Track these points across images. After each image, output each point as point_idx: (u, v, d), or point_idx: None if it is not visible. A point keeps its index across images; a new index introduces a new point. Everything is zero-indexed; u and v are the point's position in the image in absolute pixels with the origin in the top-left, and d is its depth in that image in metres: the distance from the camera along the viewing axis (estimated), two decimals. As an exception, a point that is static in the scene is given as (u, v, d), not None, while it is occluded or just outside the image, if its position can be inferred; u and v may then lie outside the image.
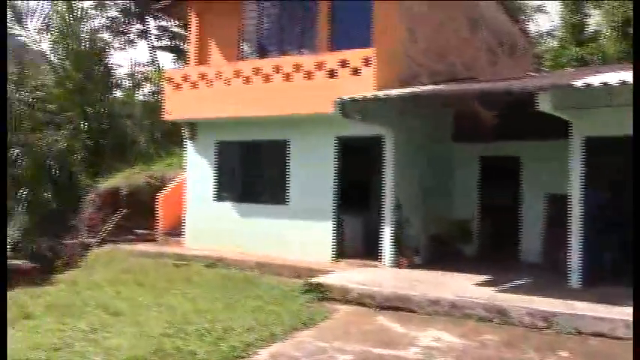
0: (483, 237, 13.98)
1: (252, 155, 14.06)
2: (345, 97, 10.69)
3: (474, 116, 13.43)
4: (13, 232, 20.50)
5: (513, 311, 8.21)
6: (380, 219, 12.13)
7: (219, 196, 14.44)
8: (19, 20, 22.83)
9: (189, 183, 14.87)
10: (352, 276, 10.60)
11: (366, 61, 11.84)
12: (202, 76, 13.94)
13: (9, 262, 12.24)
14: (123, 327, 7.89)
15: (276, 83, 12.86)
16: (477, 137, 13.62)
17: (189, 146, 14.97)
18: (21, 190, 18.65)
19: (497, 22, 17.26)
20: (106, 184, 17.50)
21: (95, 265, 12.92)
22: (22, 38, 22.89)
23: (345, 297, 9.56)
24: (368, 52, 11.89)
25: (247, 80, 13.24)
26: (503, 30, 17.80)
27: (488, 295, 8.98)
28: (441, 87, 11.41)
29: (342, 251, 12.77)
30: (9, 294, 10.06)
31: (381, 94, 10.88)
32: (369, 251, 12.51)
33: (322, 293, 9.73)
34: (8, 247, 14.74)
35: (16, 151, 19.16)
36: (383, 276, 10.68)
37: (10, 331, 7.69)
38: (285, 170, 13.47)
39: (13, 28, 22.49)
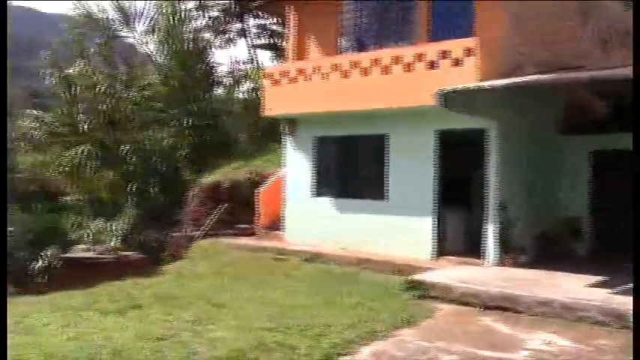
0: (595, 236, 13.13)
1: (351, 150, 13.96)
2: (448, 88, 10.34)
3: (585, 107, 12.63)
4: (123, 225, 21.56)
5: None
6: (482, 215, 11.67)
7: (318, 192, 14.45)
8: (127, 23, 23.93)
9: (287, 178, 14.98)
10: (454, 274, 10.26)
11: (468, 52, 11.41)
12: (301, 72, 13.98)
13: (121, 252, 12.82)
14: (225, 319, 7.99)
15: (374, 76, 12.68)
16: (588, 130, 12.79)
17: (287, 142, 15.07)
18: (130, 185, 19.52)
19: (610, 9, 16.18)
20: (208, 179, 17.99)
21: (199, 257, 13.27)
22: (130, 40, 23.99)
23: (447, 295, 9.25)
24: (470, 41, 11.46)
25: (345, 74, 13.13)
26: (617, 17, 16.66)
27: (603, 297, 8.39)
28: (550, 76, 10.80)
29: (442, 248, 12.42)
30: (120, 284, 10.53)
31: (486, 84, 10.44)
32: (471, 249, 12.08)
33: (423, 291, 9.47)
34: (119, 238, 15.47)
35: (126, 148, 20.07)
36: (486, 274, 10.26)
37: (119, 320, 7.99)
38: (383, 165, 13.26)
39: (122, 31, 23.59)
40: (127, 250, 13.74)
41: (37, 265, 22.88)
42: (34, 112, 25.09)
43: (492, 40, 11.70)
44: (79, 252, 17.58)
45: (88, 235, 24.12)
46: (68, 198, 26.28)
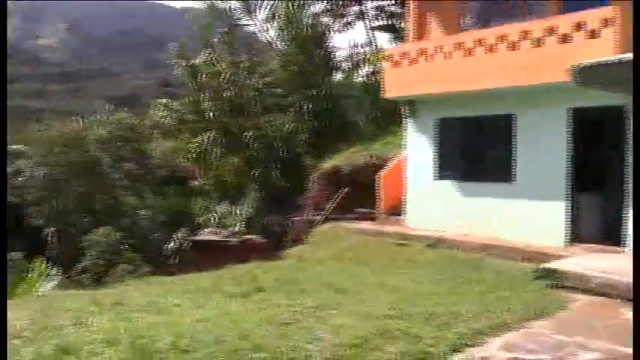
0: None
1: (475, 131, 13.39)
2: (583, 62, 9.56)
3: None
4: (246, 209, 22.20)
5: None
6: (621, 199, 10.76)
7: (440, 175, 14.02)
8: (249, 11, 24.47)
9: (408, 161, 14.66)
10: (590, 262, 9.53)
11: (605, 22, 10.50)
12: (422, 52, 13.56)
13: (245, 236, 13.15)
14: (348, 305, 7.89)
15: (500, 53, 12.03)
16: None
17: (408, 124, 14.73)
18: (253, 170, 20.03)
19: None
20: (328, 164, 18.05)
21: (319, 241, 13.33)
22: (251, 28, 24.53)
23: (582, 285, 8.61)
24: (608, 11, 10.53)
25: (469, 52, 12.57)
26: None
27: None
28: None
29: (575, 234, 11.63)
30: (245, 267, 10.76)
31: (626, 57, 9.54)
32: (608, 235, 11.20)
33: (556, 280, 8.87)
34: (243, 222, 15.91)
35: (249, 134, 20.58)
36: (626, 264, 9.43)
37: (245, 303, 8.12)
38: (510, 146, 12.60)
39: (243, 20, 24.16)
40: (250, 234, 14.10)
41: (169, 247, 24.22)
42: (165, 101, 26.38)
43: (632, 9, 10.68)
44: (206, 235, 18.29)
45: (214, 219, 25.13)
46: (196, 183, 27.49)
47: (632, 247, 7.73)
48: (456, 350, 6.30)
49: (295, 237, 15.55)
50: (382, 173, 15.76)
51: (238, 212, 24.93)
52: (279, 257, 12.23)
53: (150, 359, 5.85)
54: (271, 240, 14.84)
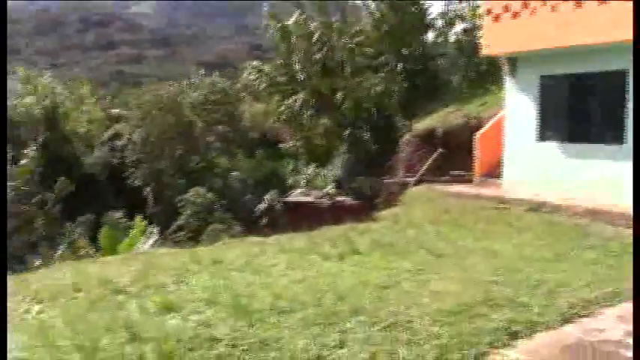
0: None
1: (582, 89, 12.50)
2: None
3: None
4: (336, 171, 22.12)
5: None
6: None
7: (543, 136, 13.26)
8: (340, -30, 23.94)
9: (508, 122, 13.96)
10: None
11: None
12: (525, 5, 12.73)
13: (336, 198, 13.00)
14: (447, 270, 7.61)
15: (613, 5, 11.08)
16: None
17: (508, 82, 13.98)
18: (343, 132, 19.82)
19: None
20: (421, 125, 17.56)
21: (413, 203, 13.00)
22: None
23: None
24: None
25: (578, 4, 11.67)
26: None
27: None
28: None
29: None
30: (338, 228, 10.63)
31: None
32: None
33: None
34: (334, 183, 15.78)
35: (339, 96, 20.33)
36: None
37: (341, 265, 7.99)
38: (621, 105, 11.68)
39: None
40: (341, 195, 13.93)
41: (259, 207, 24.64)
42: (256, 64, 26.50)
43: None
44: (296, 196, 18.34)
45: (304, 181, 25.27)
46: (286, 145, 27.66)
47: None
48: (566, 321, 5.93)
49: (387, 199, 15.27)
50: (479, 134, 15.12)
51: (328, 174, 24.92)
52: (373, 219, 12.03)
53: (250, 319, 5.83)
54: (363, 202, 14.61)
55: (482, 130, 15.27)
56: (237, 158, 29.57)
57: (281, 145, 28.64)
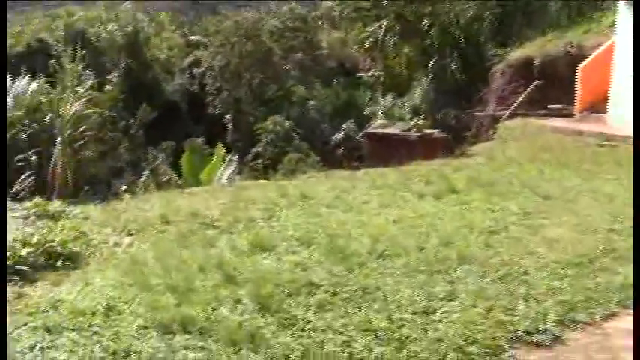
0: None
1: None
2: None
3: None
4: (419, 102, 21.20)
5: None
6: None
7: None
8: None
9: (618, 52, 12.60)
10: None
11: None
12: None
13: (423, 130, 12.21)
14: (558, 215, 6.88)
15: None
16: None
17: (620, 6, 12.54)
18: (429, 60, 18.76)
19: None
20: (515, 54, 16.26)
21: (507, 139, 12.08)
22: None
23: None
24: None
25: None
26: None
27: None
28: None
29: None
30: (430, 164, 9.97)
31: None
32: None
33: None
34: (419, 115, 14.93)
35: (425, 22, 19.13)
36: None
37: (438, 205, 7.39)
38: None
39: None
40: (427, 128, 13.09)
41: (336, 138, 24.13)
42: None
43: None
44: (378, 128, 17.65)
45: (381, 111, 24.46)
46: (365, 74, 26.75)
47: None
48: None
49: (478, 133, 14.37)
50: (582, 65, 13.81)
51: (409, 105, 24.03)
52: (465, 155, 11.25)
53: (348, 264, 5.38)
54: (452, 136, 13.76)
55: (586, 61, 13.92)
56: (315, 87, 28.93)
57: (359, 75, 27.75)
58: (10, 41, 22.20)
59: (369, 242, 5.87)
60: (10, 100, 17.80)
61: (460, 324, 4.38)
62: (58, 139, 16.32)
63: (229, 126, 26.74)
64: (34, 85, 17.20)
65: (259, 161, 23.09)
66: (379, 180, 8.74)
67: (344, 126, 24.28)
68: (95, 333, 4.17)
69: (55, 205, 6.97)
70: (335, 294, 4.81)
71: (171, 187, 19.30)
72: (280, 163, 21.72)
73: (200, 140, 22.49)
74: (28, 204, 6.85)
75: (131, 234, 6.48)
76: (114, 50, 26.33)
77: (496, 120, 14.06)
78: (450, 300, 4.79)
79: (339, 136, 24.50)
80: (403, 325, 4.37)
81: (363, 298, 4.78)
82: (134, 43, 26.26)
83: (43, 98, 17.50)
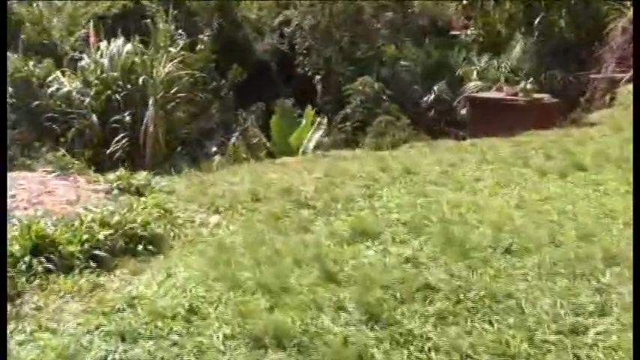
0: None
1: None
2: None
3: None
4: (517, 62, 19.48)
5: None
6: None
7: None
8: None
9: None
10: None
11: None
12: None
13: (530, 95, 10.81)
14: None
15: None
16: None
17: None
18: (536, 17, 16.95)
19: None
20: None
21: (630, 105, 10.46)
22: None
23: None
24: None
25: None
26: None
27: None
28: None
29: None
30: (546, 134, 8.70)
31: None
32: None
33: None
34: (527, 79, 13.39)
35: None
36: None
37: (565, 186, 6.23)
38: None
39: None
40: (532, 93, 11.58)
41: (428, 99, 22.79)
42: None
43: None
44: (479, 92, 16.21)
45: (476, 72, 22.80)
46: (460, 33, 25.08)
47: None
48: None
49: (592, 98, 12.74)
50: None
51: (508, 65, 22.30)
52: (582, 124, 9.84)
53: (469, 260, 4.41)
54: (563, 100, 12.20)
55: None
56: (405, 46, 27.46)
57: (453, 33, 26.03)
58: (106, 4, 22.15)
59: (491, 233, 4.87)
60: (106, 61, 17.63)
61: (623, 352, 3.36)
62: (151, 100, 16.00)
63: (319, 87, 25.92)
64: (129, 46, 16.88)
65: (348, 123, 22.24)
66: (490, 153, 7.61)
67: (435, 87, 22.91)
68: (175, 344, 3.46)
69: (140, 176, 6.34)
70: (458, 302, 3.88)
71: (261, 150, 18.89)
72: (369, 125, 20.81)
73: (290, 102, 21.80)
74: (111, 176, 6.24)
75: (219, 212, 5.76)
76: (206, 10, 25.86)
77: (614, 83, 12.30)
78: (601, 315, 3.77)
79: (431, 97, 23.21)
80: (549, 351, 3.41)
81: (492, 308, 3.83)
82: (225, 3, 25.67)
83: (136, 59, 17.18)
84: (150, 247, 4.81)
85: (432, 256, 4.52)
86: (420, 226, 5.08)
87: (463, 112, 20.94)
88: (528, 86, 11.20)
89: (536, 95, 11.25)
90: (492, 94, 12.24)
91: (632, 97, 10.94)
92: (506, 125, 9.72)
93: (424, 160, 7.34)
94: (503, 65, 22.36)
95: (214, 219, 5.59)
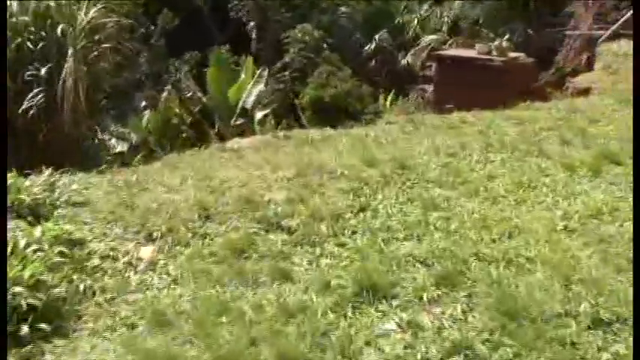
0: None
1: None
2: None
3: None
4: (468, 12, 17.93)
5: None
6: None
7: None
8: None
9: None
10: None
11: None
12: None
13: (511, 54, 9.16)
14: None
15: None
16: None
17: None
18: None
19: None
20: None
21: (619, 68, 8.99)
22: None
23: None
24: None
25: None
26: None
27: None
28: None
29: None
30: (546, 107, 7.08)
31: None
32: None
33: None
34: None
35: None
36: None
37: (612, 191, 4.63)
38: None
39: None
40: (508, 51, 9.84)
41: (369, 48, 21.03)
42: None
43: None
44: (429, 45, 14.48)
45: (419, 21, 21.20)
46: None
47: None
48: None
49: (570, 58, 11.21)
50: None
51: (447, 15, 20.74)
52: (574, 90, 8.32)
53: (548, 345, 2.72)
54: (540, 61, 10.59)
55: None
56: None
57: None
58: None
59: (559, 288, 3.20)
60: (15, 4, 14.51)
61: None
62: (70, 51, 13.20)
63: (254, 34, 23.53)
64: (40, -12, 13.87)
65: (286, 73, 20.26)
66: (492, 134, 5.92)
67: (377, 36, 21.18)
68: None
69: (38, 182, 4.23)
70: None
71: (195, 105, 16.60)
72: (309, 75, 18.92)
73: (225, 49, 19.39)
74: None
75: (152, 239, 3.84)
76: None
77: (591, 41, 10.82)
78: None
79: (372, 46, 21.48)
80: None
81: None
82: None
83: (51, 3, 14.15)
84: (42, 326, 2.86)
85: (490, 342, 2.80)
86: (451, 273, 3.35)
87: (408, 62, 19.40)
88: (504, 43, 9.50)
89: (511, 54, 9.60)
90: (461, 51, 10.50)
91: (615, 58, 9.51)
92: (482, 88, 8.13)
93: (415, 147, 5.56)
94: (445, 15, 20.79)
95: (146, 253, 3.68)
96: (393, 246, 3.73)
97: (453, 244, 3.70)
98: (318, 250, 3.69)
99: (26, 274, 2.99)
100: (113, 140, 14.80)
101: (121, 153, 14.55)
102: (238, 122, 15.32)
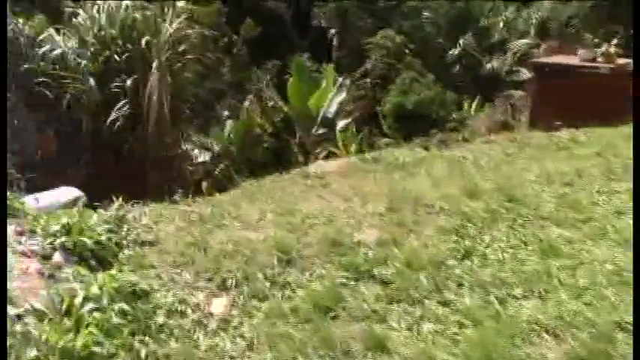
0: None
1: None
2: None
3: None
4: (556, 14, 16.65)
5: None
6: None
7: None
8: None
9: None
10: None
11: None
12: None
13: (619, 61, 8.10)
14: None
15: None
16: None
17: None
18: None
19: None
20: None
21: None
22: None
23: None
24: None
25: None
26: None
27: None
28: None
29: None
30: None
31: None
32: None
33: None
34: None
35: None
36: None
37: None
38: None
39: None
40: (615, 57, 8.67)
41: (452, 53, 20.00)
42: None
43: None
44: (523, 49, 13.38)
45: (503, 23, 20.07)
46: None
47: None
48: None
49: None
50: None
51: (533, 16, 19.49)
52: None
53: None
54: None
55: None
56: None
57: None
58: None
59: None
60: (103, 17, 14.67)
61: None
62: (155, 63, 13.14)
63: (335, 40, 23.09)
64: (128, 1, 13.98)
65: (367, 80, 19.62)
66: (613, 159, 5.02)
67: (461, 41, 20.10)
68: None
69: (106, 214, 3.80)
70: None
71: (277, 114, 16.26)
72: (391, 82, 18.19)
73: (305, 57, 19.02)
74: (54, 225, 3.57)
75: (226, 288, 3.29)
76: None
77: None
78: None
79: (456, 51, 20.44)
80: None
81: None
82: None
83: (137, 15, 14.18)
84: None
85: None
86: (591, 350, 2.59)
87: (493, 67, 18.29)
88: (612, 49, 8.40)
89: (620, 60, 8.49)
90: (561, 58, 9.41)
91: None
92: (587, 100, 7.15)
93: (522, 173, 4.77)
94: (534, 16, 19.53)
95: (219, 307, 3.14)
96: (511, 307, 3.00)
97: (586, 308, 2.93)
98: (418, 311, 3.03)
99: (79, 343, 2.51)
100: (196, 150, 14.70)
101: (203, 163, 14.45)
102: (320, 132, 14.84)
